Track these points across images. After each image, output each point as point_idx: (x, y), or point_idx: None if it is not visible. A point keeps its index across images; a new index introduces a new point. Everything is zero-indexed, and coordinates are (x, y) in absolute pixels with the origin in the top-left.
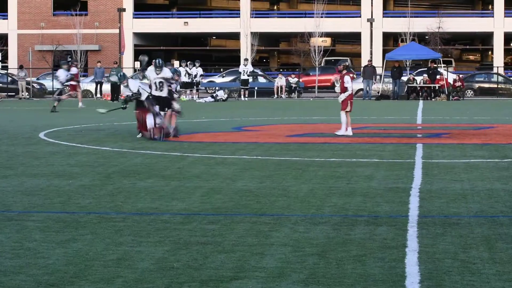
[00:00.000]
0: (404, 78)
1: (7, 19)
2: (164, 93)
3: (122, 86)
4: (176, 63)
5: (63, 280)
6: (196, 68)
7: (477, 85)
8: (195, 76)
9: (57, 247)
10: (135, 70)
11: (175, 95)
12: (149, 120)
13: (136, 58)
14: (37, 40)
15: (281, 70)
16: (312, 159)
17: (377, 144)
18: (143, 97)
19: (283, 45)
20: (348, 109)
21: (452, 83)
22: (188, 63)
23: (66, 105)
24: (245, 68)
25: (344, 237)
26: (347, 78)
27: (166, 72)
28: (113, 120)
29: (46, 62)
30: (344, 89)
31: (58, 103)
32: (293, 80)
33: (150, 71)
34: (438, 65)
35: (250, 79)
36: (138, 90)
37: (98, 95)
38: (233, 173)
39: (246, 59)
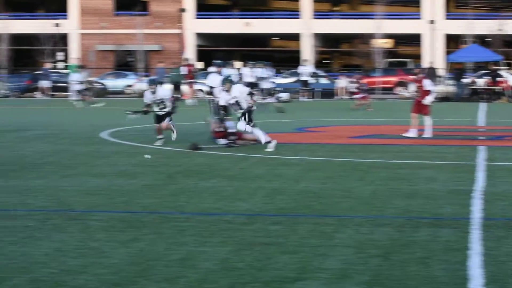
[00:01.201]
0: (466, 80)
1: (69, 19)
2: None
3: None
4: (238, 64)
5: (127, 279)
6: (262, 69)
7: None
8: (259, 77)
9: (120, 246)
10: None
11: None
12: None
13: (199, 59)
14: (98, 40)
15: (343, 71)
16: (374, 160)
17: (440, 146)
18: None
19: (344, 46)
20: (428, 113)
21: None
22: (252, 64)
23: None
24: (305, 69)
25: (407, 239)
26: (426, 82)
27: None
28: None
29: (108, 62)
30: (426, 93)
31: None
32: (354, 82)
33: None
34: (500, 68)
35: (311, 80)
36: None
37: None
38: (296, 174)
39: (306, 60)
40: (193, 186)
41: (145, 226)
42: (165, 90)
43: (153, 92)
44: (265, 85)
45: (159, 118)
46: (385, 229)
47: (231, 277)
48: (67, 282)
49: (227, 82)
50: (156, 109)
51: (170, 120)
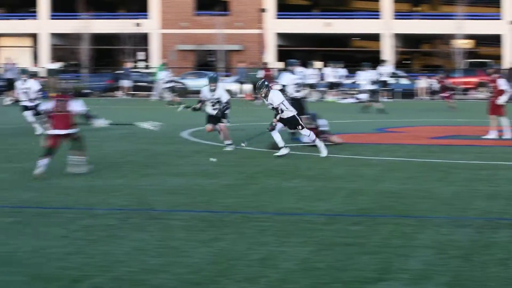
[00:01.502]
0: None
1: (149, 18)
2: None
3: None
4: (319, 64)
5: (208, 279)
6: (341, 69)
7: None
8: (340, 77)
9: (201, 246)
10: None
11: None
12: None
13: (279, 59)
14: (179, 39)
15: (423, 71)
16: (455, 161)
17: None
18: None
19: (424, 47)
20: (503, 113)
21: None
22: (333, 64)
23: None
24: (385, 69)
25: (487, 240)
26: (501, 81)
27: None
28: (248, 120)
29: (188, 62)
30: (500, 92)
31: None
32: (438, 81)
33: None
34: None
35: (391, 81)
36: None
37: (240, 95)
38: (376, 174)
39: (385, 60)
40: (273, 186)
41: (226, 226)
42: (224, 91)
43: (213, 90)
44: (367, 86)
45: (210, 118)
46: (466, 230)
47: (312, 277)
48: (147, 281)
49: (264, 87)
50: (209, 108)
51: (227, 122)
